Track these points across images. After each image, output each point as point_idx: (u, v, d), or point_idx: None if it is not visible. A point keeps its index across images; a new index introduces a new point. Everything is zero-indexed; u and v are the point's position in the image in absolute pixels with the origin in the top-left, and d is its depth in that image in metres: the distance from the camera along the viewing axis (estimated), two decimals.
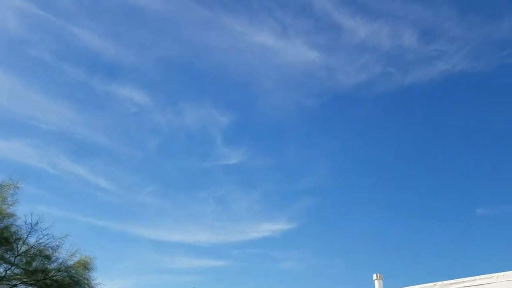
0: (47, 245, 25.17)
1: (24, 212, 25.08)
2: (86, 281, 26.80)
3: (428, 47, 57.45)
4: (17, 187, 24.91)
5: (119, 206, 59.76)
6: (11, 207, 24.62)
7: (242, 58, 62.11)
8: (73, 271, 26.24)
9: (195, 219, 61.83)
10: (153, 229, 57.38)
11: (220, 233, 59.54)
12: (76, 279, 26.37)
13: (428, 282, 20.87)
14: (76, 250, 26.17)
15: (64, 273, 26.11)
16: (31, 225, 24.81)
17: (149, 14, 58.63)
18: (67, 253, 26.03)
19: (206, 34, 60.18)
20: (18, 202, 24.99)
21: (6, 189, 24.34)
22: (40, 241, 25.00)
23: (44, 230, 25.02)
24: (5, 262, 24.85)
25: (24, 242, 24.83)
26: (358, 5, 57.13)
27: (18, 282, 25.60)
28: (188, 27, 60.74)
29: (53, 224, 25.31)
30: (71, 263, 26.28)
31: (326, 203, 63.49)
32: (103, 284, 27.55)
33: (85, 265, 26.87)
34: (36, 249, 25.05)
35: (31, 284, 25.66)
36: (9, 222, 24.36)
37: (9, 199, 24.49)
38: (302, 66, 60.96)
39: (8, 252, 24.65)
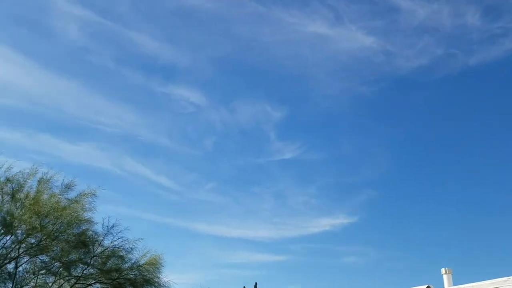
0: (121, 247, 26.49)
1: (98, 211, 26.49)
2: (156, 279, 27.99)
3: (492, 25, 54.19)
4: (94, 194, 25.99)
5: (181, 203, 61.02)
6: (88, 213, 25.92)
7: (294, 50, 61.47)
8: (144, 270, 27.47)
9: (254, 214, 61.91)
10: (214, 225, 58.26)
11: (279, 228, 59.36)
12: (147, 278, 27.59)
13: (500, 277, 20.46)
14: (148, 251, 27.39)
15: (136, 272, 27.36)
16: (107, 227, 26.13)
17: (201, 14, 59.08)
18: (139, 253, 27.29)
19: (258, 29, 60.18)
20: (95, 210, 26.14)
21: (84, 197, 25.66)
22: (115, 243, 26.34)
23: (118, 233, 26.33)
24: (82, 263, 26.29)
25: (100, 244, 26.18)
26: None
27: (93, 281, 27.07)
28: (240, 24, 60.73)
29: (127, 227, 26.40)
30: (142, 262, 27.51)
31: (388, 196, 61.67)
32: (174, 283, 28.61)
33: (155, 264, 28.00)
34: (111, 250, 26.39)
35: (105, 283, 27.04)
36: (86, 227, 25.74)
37: (87, 206, 25.69)
38: (357, 53, 59.35)
39: (85, 254, 26.08)
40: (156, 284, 28.01)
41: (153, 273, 27.91)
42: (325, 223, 58.68)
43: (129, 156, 60.01)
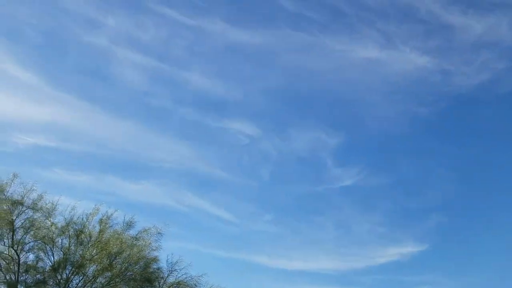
0: (185, 283, 26.98)
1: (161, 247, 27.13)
2: None
3: None
4: (160, 233, 26.66)
5: (241, 235, 59.48)
6: (154, 252, 26.60)
7: (345, 76, 61.45)
8: None
9: (316, 245, 59.66)
10: (274, 258, 56.06)
11: (344, 259, 56.43)
12: None
13: None
14: (211, 287, 27.86)
15: None
16: (171, 264, 26.72)
17: (249, 48, 60.73)
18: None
19: (306, 58, 60.85)
20: (161, 248, 26.80)
21: (150, 235, 26.39)
22: (179, 279, 26.98)
23: (182, 269, 26.96)
24: None
25: (165, 281, 26.91)
26: (468, 1, 54.31)
27: None
28: (288, 54, 61.62)
29: (190, 263, 27.13)
30: None
31: (457, 220, 58.69)
32: None
33: None
34: (176, 286, 26.97)
35: None
36: (151, 264, 26.60)
37: (153, 244, 26.39)
38: (411, 74, 58.66)
39: None
40: None
41: None
42: (393, 252, 55.45)
43: (188, 191, 60.81)
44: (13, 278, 23.61)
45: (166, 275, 26.82)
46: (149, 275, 26.24)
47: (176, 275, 26.84)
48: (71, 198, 26.74)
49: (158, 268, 26.77)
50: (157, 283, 26.82)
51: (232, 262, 54.60)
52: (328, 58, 58.59)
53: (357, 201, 63.45)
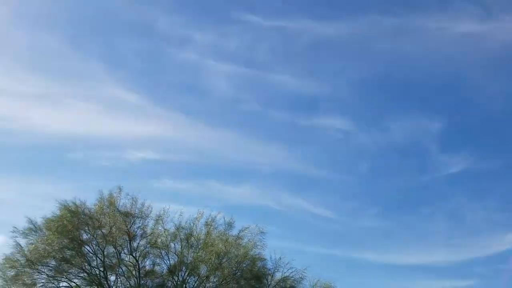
0: (291, 277, 27.85)
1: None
2: None
3: None
4: (263, 232, 27.59)
5: (344, 232, 59.20)
6: (259, 250, 27.56)
7: (443, 56, 58.28)
8: None
9: (426, 238, 57.53)
10: (383, 253, 55.36)
11: (457, 250, 54.35)
12: None
13: None
14: (318, 280, 28.36)
15: None
16: (275, 261, 27.62)
17: (337, 41, 60.38)
18: (309, 283, 28.36)
19: (398, 43, 59.09)
20: (266, 247, 27.66)
21: (250, 232, 27.43)
22: (285, 274, 27.88)
23: (286, 264, 27.84)
24: None
25: (272, 277, 27.90)
26: None
27: None
28: (379, 41, 60.39)
29: (293, 259, 27.87)
30: None
31: None
32: None
33: None
34: (283, 282, 27.91)
35: None
36: (259, 264, 27.47)
37: (258, 244, 27.37)
38: None
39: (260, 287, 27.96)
40: None
41: None
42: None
43: (285, 191, 61.81)
44: (136, 283, 25.89)
45: (272, 272, 27.80)
46: (257, 273, 27.38)
47: (282, 271, 27.75)
48: (178, 204, 28.74)
49: (264, 266, 27.79)
50: (265, 280, 27.87)
51: (336, 259, 53.79)
52: (423, 39, 56.00)
53: (468, 188, 59.85)
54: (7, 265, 24.55)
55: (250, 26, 57.17)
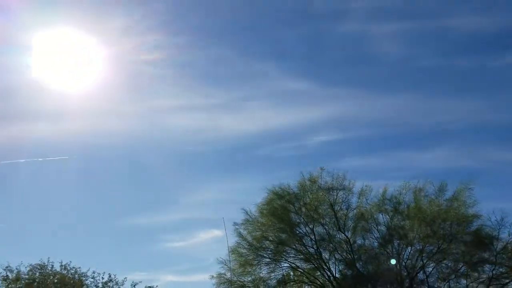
0: None
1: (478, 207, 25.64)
2: None
3: None
4: (470, 188, 25.63)
5: None
6: (472, 208, 25.52)
7: None
8: None
9: None
10: None
11: None
12: None
13: None
14: None
15: None
16: (496, 222, 24.86)
17: None
18: None
19: None
20: (478, 203, 25.50)
21: (461, 193, 25.57)
22: None
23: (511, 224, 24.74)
24: (488, 263, 25.47)
25: (498, 240, 25.01)
26: None
27: (508, 281, 25.61)
28: None
29: None
30: None
31: None
32: None
33: None
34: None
35: None
36: (477, 224, 25.33)
37: (467, 201, 25.42)
38: None
39: (487, 252, 25.29)
40: None
41: None
42: None
43: (489, 146, 55.44)
44: (349, 258, 26.17)
45: (496, 233, 24.88)
46: (480, 235, 24.90)
47: (509, 231, 24.60)
48: (364, 180, 28.06)
49: (482, 225, 25.12)
50: (491, 244, 25.09)
51: None
52: None
53: None
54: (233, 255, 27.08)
55: None
